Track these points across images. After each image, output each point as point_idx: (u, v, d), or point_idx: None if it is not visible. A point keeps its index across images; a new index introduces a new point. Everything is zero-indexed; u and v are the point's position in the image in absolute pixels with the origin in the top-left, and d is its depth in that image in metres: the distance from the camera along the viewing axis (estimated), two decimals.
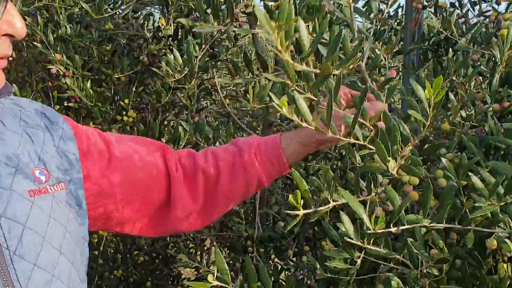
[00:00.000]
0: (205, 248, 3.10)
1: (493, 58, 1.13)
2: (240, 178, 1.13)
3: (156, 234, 1.20)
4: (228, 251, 1.97)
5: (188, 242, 2.57)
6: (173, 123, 2.56)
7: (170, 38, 2.03)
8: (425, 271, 0.92)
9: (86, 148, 1.05)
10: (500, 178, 0.80)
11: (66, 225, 0.94)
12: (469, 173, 0.84)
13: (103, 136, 1.10)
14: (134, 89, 2.14)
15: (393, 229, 0.81)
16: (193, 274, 2.57)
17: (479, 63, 1.17)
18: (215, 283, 0.97)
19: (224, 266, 0.96)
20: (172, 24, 1.96)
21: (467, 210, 0.85)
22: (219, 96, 2.23)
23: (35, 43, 1.90)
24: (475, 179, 0.82)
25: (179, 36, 2.08)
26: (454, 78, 1.18)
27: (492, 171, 0.85)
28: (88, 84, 1.94)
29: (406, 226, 0.83)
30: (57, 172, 0.95)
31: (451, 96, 1.16)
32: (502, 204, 0.80)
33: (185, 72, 1.60)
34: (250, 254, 1.86)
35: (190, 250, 2.83)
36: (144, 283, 2.34)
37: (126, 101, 2.12)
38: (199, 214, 1.15)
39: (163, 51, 2.04)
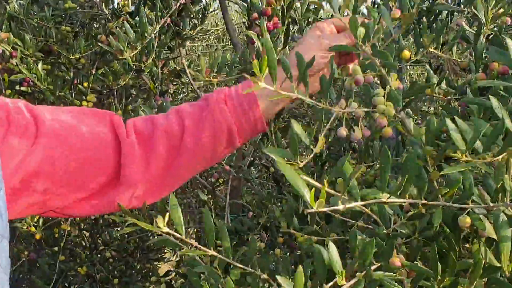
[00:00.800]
0: None
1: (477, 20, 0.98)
2: (206, 128, 0.96)
3: (107, 210, 1.01)
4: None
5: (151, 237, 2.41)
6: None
7: (130, 16, 1.87)
8: (397, 231, 0.78)
9: (6, 122, 0.89)
10: (478, 132, 0.65)
11: None
12: (446, 120, 0.69)
13: (29, 108, 0.94)
14: (94, 71, 1.98)
15: (340, 207, 0.66)
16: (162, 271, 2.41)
17: (463, 24, 1.01)
18: (166, 229, 0.82)
19: (180, 220, 0.85)
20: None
21: (435, 183, 0.71)
22: (188, 78, 2.06)
23: None
24: (451, 125, 0.67)
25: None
26: (431, 49, 1.02)
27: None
28: (40, 66, 1.77)
29: (360, 203, 0.68)
30: None
31: (428, 68, 1.01)
32: (479, 161, 0.65)
33: (139, 48, 1.44)
34: (219, 248, 1.71)
35: None
36: (112, 281, 2.19)
37: (85, 84, 1.95)
38: (158, 181, 0.98)
39: (123, 29, 1.87)
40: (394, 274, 0.71)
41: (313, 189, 0.66)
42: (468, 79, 0.95)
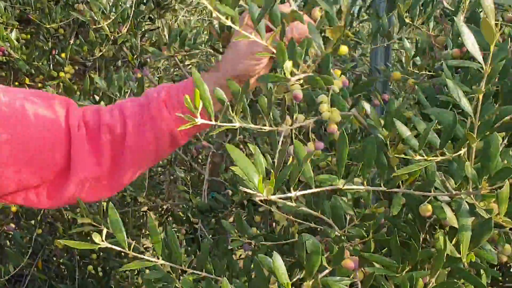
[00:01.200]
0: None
1: None
2: (147, 132, 0.95)
3: (54, 204, 1.00)
4: (173, 222, 1.79)
5: (137, 213, 2.37)
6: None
7: None
8: (351, 232, 0.74)
9: None
10: (430, 125, 0.60)
11: None
12: (394, 119, 0.65)
13: None
14: (72, 42, 1.92)
15: (292, 194, 0.61)
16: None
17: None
18: (104, 244, 0.78)
19: (121, 232, 0.78)
20: None
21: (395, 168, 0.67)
22: (169, 51, 2.00)
23: None
24: (399, 125, 0.63)
25: None
26: (408, 20, 0.97)
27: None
28: (14, 35, 1.71)
29: (313, 190, 0.64)
30: None
31: (406, 42, 0.97)
32: (436, 159, 0.60)
33: (113, 17, 1.38)
34: (195, 225, 1.68)
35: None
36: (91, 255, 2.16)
37: (63, 55, 1.89)
38: (105, 179, 0.97)
39: None
40: (347, 278, 0.67)
41: (261, 176, 0.61)
42: (443, 55, 0.90)
